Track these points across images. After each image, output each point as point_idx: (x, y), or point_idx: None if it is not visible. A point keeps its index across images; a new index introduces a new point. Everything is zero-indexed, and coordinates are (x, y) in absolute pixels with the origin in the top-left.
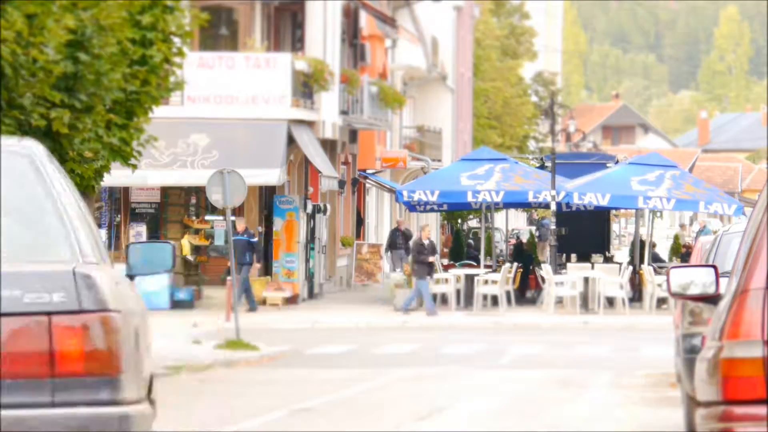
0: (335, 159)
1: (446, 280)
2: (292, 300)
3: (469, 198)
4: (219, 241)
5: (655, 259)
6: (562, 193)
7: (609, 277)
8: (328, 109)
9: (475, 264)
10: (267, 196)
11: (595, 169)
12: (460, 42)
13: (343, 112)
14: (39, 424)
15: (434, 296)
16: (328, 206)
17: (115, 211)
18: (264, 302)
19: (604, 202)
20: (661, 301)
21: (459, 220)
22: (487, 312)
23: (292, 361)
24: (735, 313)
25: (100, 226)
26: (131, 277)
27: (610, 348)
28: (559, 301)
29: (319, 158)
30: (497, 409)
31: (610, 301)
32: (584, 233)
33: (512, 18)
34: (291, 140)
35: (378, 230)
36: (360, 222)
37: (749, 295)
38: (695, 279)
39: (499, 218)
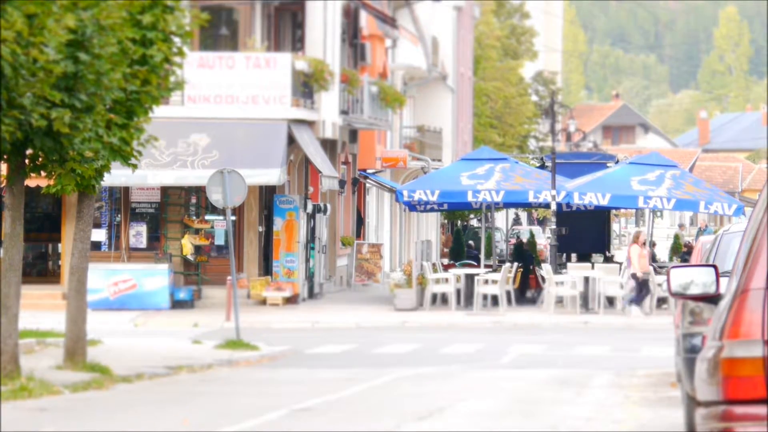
0: (335, 159)
1: (446, 280)
2: (292, 300)
3: (469, 198)
4: (219, 241)
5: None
6: (562, 193)
7: (609, 277)
8: (328, 109)
9: (475, 264)
10: (267, 196)
11: (595, 169)
12: (461, 42)
13: (344, 112)
14: None
15: (434, 296)
16: (328, 206)
17: (115, 210)
18: (264, 302)
19: (604, 202)
20: (662, 301)
21: (459, 220)
22: (487, 312)
23: (292, 361)
24: (735, 313)
25: (100, 226)
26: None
27: (610, 348)
28: (559, 301)
29: (319, 158)
30: (497, 409)
31: (610, 301)
32: (584, 233)
33: (512, 18)
34: (291, 140)
35: (378, 230)
36: (360, 222)
37: (749, 295)
38: (695, 279)
39: (499, 218)
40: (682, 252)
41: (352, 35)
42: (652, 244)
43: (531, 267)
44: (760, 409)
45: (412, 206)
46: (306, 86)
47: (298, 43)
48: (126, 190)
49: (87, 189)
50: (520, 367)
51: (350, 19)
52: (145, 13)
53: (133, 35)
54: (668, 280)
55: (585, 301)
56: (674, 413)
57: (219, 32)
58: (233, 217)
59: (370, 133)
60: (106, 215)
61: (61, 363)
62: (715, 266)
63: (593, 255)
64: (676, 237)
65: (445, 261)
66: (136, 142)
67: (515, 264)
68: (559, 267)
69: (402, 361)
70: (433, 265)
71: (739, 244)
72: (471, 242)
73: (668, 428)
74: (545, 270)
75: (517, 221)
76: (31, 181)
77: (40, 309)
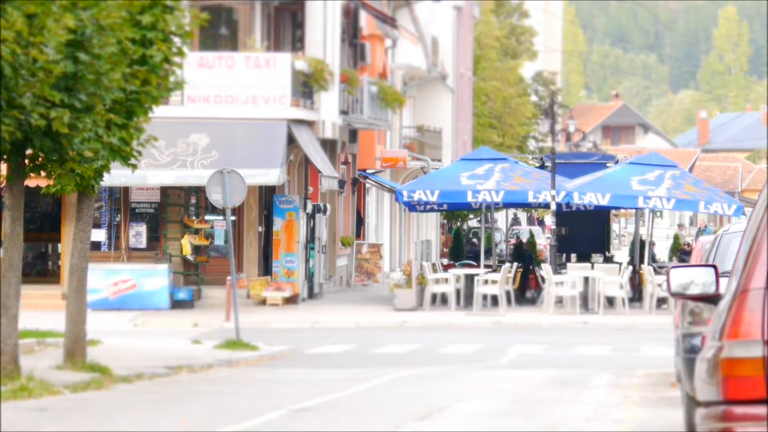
0: (335, 159)
1: (446, 280)
2: (292, 300)
3: (469, 198)
4: (219, 241)
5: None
6: (562, 193)
7: (609, 277)
8: (328, 109)
9: (475, 264)
10: (267, 196)
11: (595, 169)
12: (460, 42)
13: (343, 112)
14: None
15: (434, 296)
16: (328, 206)
17: (115, 211)
18: (264, 302)
19: (604, 202)
20: (661, 301)
21: (459, 220)
22: (487, 312)
23: (292, 361)
24: (735, 313)
25: (100, 226)
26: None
27: (610, 348)
28: (559, 301)
29: (319, 158)
30: (497, 409)
31: (610, 301)
32: (584, 233)
33: (512, 17)
34: (291, 140)
35: (378, 230)
36: (360, 222)
37: (749, 295)
38: (695, 279)
39: (499, 218)
40: (680, 252)
41: (351, 35)
42: (652, 244)
43: (531, 267)
44: (759, 409)
45: (411, 206)
46: (306, 86)
47: (297, 43)
48: (126, 190)
49: (87, 189)
50: (519, 367)
51: (350, 19)
52: (144, 13)
53: (132, 35)
54: (668, 280)
55: (585, 301)
56: (674, 413)
57: (219, 32)
58: (233, 217)
59: (369, 133)
60: (105, 215)
61: (61, 363)
62: (714, 266)
63: (593, 255)
64: (676, 237)
65: (445, 261)
66: (135, 142)
67: (515, 264)
68: (558, 267)
69: (402, 361)
70: (433, 265)
71: (739, 244)
72: (474, 240)
73: (668, 428)
74: (545, 270)
75: (517, 221)
76: (31, 181)
77: (40, 309)
